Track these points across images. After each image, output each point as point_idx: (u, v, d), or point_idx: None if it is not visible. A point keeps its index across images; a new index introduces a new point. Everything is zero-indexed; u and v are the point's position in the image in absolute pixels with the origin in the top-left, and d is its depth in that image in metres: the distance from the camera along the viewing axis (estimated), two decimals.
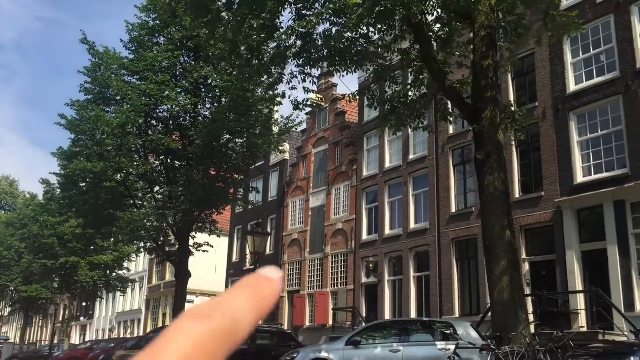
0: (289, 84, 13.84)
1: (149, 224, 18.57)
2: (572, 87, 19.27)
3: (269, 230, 34.02)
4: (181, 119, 21.61)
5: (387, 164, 26.26)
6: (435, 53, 10.49)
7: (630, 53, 17.85)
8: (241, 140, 19.10)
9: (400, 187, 25.31)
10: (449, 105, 12.63)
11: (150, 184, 20.43)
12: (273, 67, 13.30)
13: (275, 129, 20.72)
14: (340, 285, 27.54)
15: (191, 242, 20.75)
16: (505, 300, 9.35)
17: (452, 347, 11.76)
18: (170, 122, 21.53)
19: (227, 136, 19.64)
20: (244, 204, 23.15)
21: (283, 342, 17.97)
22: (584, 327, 17.41)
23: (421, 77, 10.94)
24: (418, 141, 25.15)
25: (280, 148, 22.15)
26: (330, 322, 27.27)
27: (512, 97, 20.78)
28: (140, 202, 20.04)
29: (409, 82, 11.28)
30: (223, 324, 0.46)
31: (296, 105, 14.01)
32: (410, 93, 11.56)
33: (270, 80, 13.65)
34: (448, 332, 11.69)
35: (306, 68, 13.65)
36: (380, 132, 26.59)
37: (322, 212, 29.74)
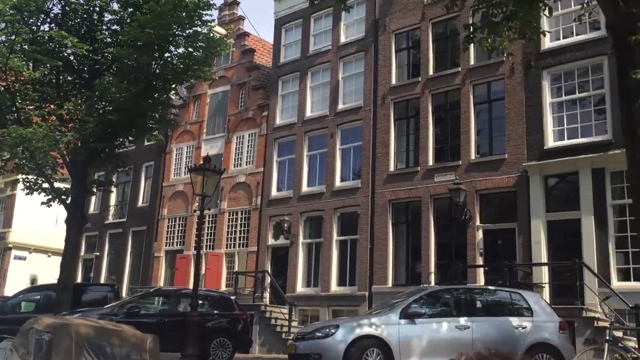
0: None
1: (41, 149, 13.61)
2: (547, 43, 17.74)
3: (143, 179, 29.22)
4: (78, 19, 16.54)
5: (309, 113, 23.11)
6: None
7: None
8: (179, 50, 14.79)
9: (324, 139, 22.35)
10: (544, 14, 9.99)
11: (41, 98, 15.19)
12: None
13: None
14: (240, 247, 24.01)
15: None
16: None
17: (528, 325, 9.31)
18: (65, 19, 16.34)
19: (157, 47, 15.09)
20: (159, 137, 18.46)
21: (221, 310, 14.31)
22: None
23: None
24: (349, 90, 22.35)
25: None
26: (224, 287, 23.74)
27: None
28: (25, 119, 14.77)
29: None
30: None
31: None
32: None
33: None
34: (520, 305, 9.22)
35: None
36: (301, 74, 23.42)
37: (219, 162, 25.68)
